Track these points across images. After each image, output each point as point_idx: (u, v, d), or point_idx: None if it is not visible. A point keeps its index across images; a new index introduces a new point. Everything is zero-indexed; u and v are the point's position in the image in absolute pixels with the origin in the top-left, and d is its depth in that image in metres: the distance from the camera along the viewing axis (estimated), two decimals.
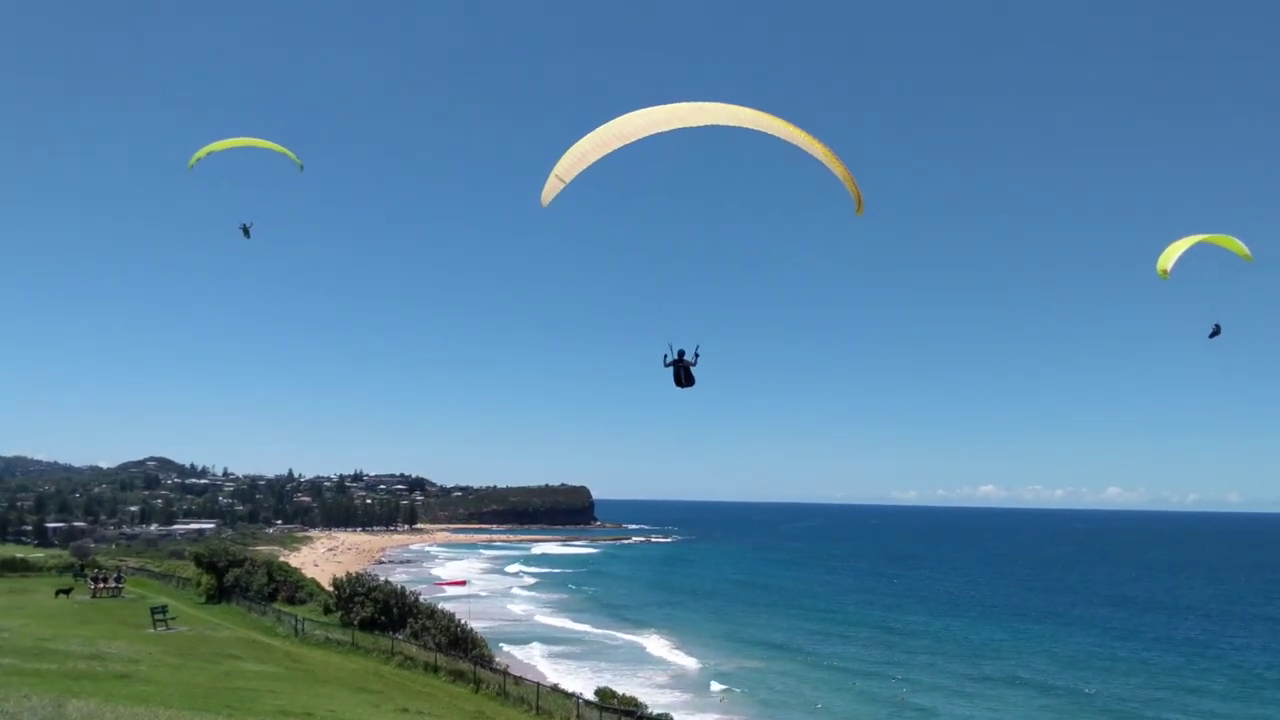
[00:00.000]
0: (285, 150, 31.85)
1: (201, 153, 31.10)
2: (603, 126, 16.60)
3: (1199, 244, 24.45)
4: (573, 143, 16.85)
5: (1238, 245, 24.65)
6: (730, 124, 16.48)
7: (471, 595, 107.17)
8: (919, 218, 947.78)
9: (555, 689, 39.48)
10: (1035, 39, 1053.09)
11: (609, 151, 16.55)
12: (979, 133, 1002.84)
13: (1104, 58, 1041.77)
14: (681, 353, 18.91)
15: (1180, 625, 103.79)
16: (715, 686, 66.73)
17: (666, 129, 16.42)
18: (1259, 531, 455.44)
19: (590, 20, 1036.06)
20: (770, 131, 16.51)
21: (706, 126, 16.58)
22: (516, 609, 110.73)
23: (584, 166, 16.69)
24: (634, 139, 16.42)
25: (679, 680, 69.41)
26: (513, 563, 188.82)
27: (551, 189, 16.97)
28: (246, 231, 32.95)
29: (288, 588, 57.13)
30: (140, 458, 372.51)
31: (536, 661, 71.58)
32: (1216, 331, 25.34)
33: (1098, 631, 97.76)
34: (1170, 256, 23.35)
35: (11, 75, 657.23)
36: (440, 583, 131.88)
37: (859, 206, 17.61)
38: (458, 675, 38.22)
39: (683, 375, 19.07)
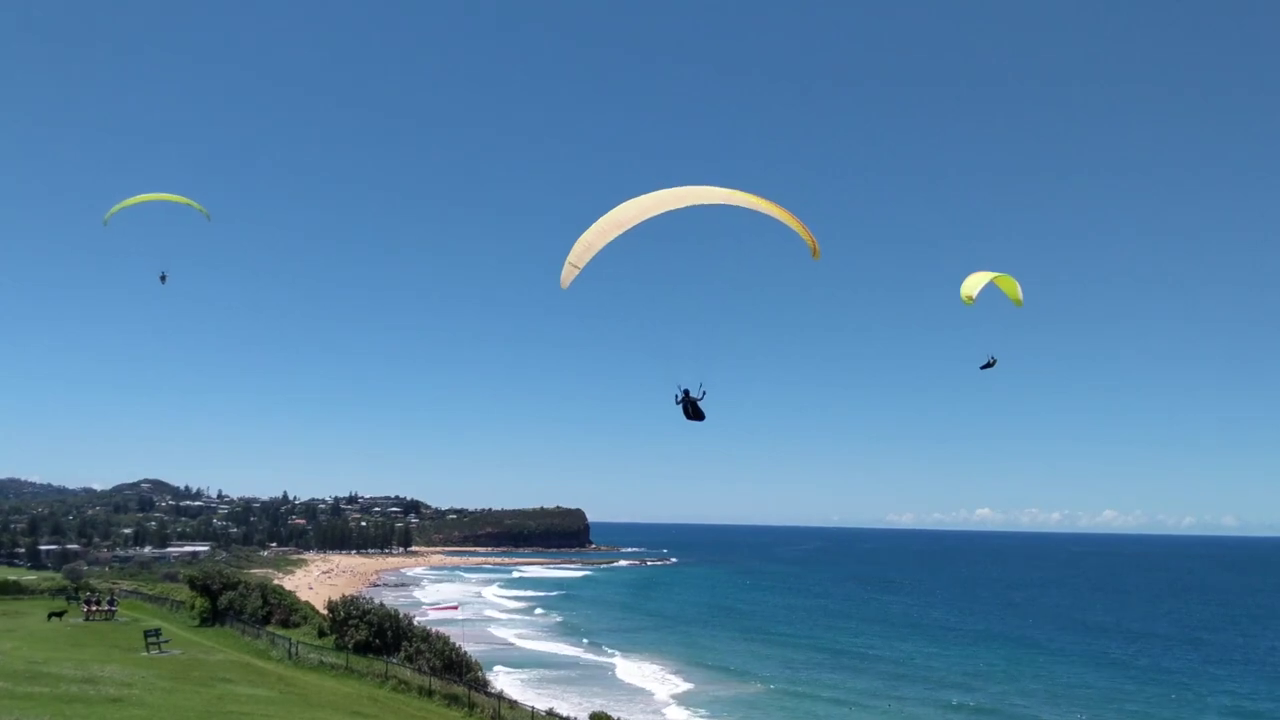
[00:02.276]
0: (192, 202, 34.84)
1: (116, 208, 34.37)
2: (602, 217, 19.27)
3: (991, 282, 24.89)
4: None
5: (1014, 291, 25.07)
6: (707, 203, 19.08)
7: (448, 619, 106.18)
8: (913, 240, 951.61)
9: (550, 714, 39.32)
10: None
11: (612, 239, 19.32)
12: (982, 141, 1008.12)
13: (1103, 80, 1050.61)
14: (688, 391, 20.26)
15: (1175, 653, 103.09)
16: (700, 714, 65.85)
17: (656, 213, 19.02)
18: (1254, 556, 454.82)
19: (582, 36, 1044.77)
20: (739, 205, 19.11)
21: (687, 208, 19.32)
22: (485, 632, 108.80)
23: (593, 255, 19.40)
24: (630, 225, 19.11)
25: (660, 707, 68.38)
26: (491, 585, 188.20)
27: (568, 275, 19.64)
28: (163, 279, 37.57)
29: (282, 611, 56.85)
30: (134, 480, 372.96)
31: (502, 687, 70.73)
32: (990, 364, 25.76)
33: (1092, 660, 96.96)
34: (974, 286, 23.87)
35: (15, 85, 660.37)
36: (437, 607, 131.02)
37: (815, 253, 20.28)
38: (452, 699, 38.02)
39: (691, 410, 20.46)
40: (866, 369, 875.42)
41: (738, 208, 19.39)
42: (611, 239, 19.26)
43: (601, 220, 19.26)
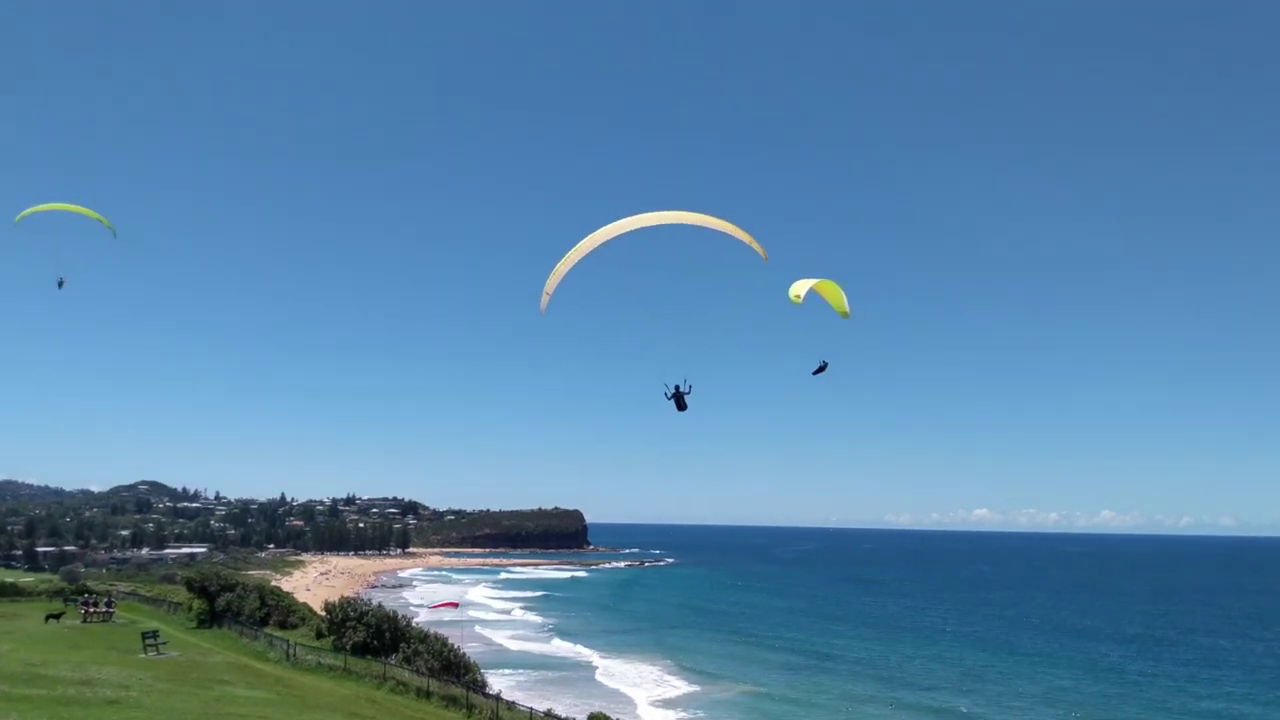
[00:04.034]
0: (100, 217, 37.55)
1: (27, 211, 37.47)
2: (569, 252, 22.92)
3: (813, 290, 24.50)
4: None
5: (839, 302, 24.72)
6: (656, 225, 22.39)
7: (435, 621, 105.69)
8: (911, 237, 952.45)
9: (549, 714, 39.29)
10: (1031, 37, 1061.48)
11: (573, 265, 23.00)
12: (975, 135, 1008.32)
13: (1100, 55, 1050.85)
14: (678, 387, 23.56)
15: (1173, 656, 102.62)
16: (688, 717, 65.55)
17: (612, 237, 22.43)
18: (1252, 556, 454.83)
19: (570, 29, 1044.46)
20: (687, 224, 22.52)
21: (639, 231, 22.75)
22: (471, 633, 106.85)
23: (559, 281, 23.33)
24: (589, 250, 22.65)
25: (643, 711, 67.64)
26: (480, 586, 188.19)
27: (544, 302, 23.63)
28: (60, 284, 39.11)
29: (279, 612, 56.79)
30: (132, 481, 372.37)
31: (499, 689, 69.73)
32: (822, 368, 25.79)
33: (1088, 663, 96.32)
34: (801, 287, 23.84)
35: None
36: (439, 604, 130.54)
37: (764, 257, 23.53)
38: (450, 700, 38.00)
39: (680, 403, 23.73)
40: (864, 369, 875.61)
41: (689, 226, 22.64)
42: (574, 264, 22.78)
43: (569, 253, 22.80)
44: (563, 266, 22.84)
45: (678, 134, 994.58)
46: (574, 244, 23.02)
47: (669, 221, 22.36)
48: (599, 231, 22.60)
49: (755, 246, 23.14)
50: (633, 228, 22.29)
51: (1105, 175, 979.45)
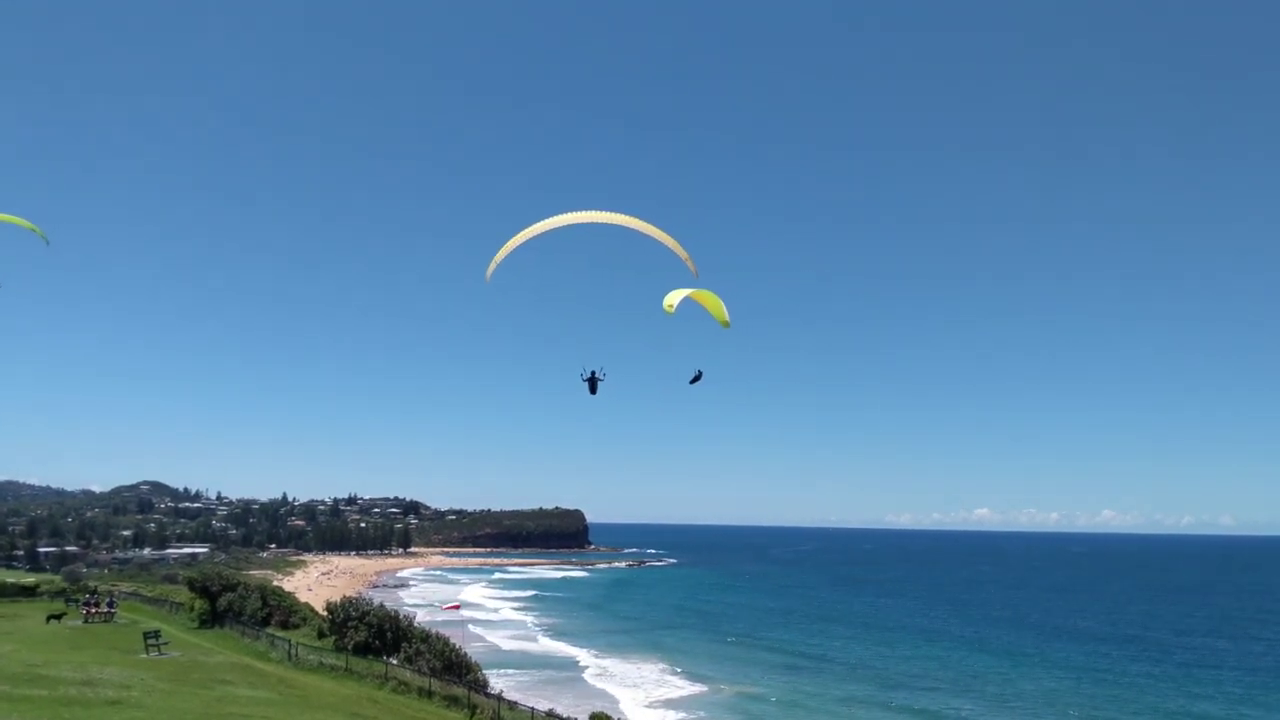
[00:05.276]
0: (33, 226, 36.88)
1: None
2: (521, 231, 24.83)
3: (688, 298, 24.71)
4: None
5: (719, 311, 24.83)
6: (599, 223, 24.16)
7: (430, 621, 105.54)
8: (910, 233, 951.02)
9: (550, 714, 39.35)
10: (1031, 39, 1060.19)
11: (516, 247, 25.11)
12: (978, 138, 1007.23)
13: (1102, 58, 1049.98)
14: (594, 372, 25.69)
15: (1173, 657, 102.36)
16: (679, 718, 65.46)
17: (553, 228, 24.25)
18: (1251, 555, 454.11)
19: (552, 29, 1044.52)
20: (627, 226, 24.16)
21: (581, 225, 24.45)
22: (465, 632, 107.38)
23: (504, 255, 25.44)
24: (540, 233, 24.48)
25: (632, 711, 67.01)
26: (475, 586, 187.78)
27: (489, 271, 26.03)
28: None
29: (281, 612, 56.84)
30: (133, 481, 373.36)
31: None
32: (697, 378, 26.09)
33: (1087, 665, 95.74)
34: (675, 297, 24.15)
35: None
36: (444, 606, 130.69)
37: (694, 271, 25.04)
38: (452, 700, 38.06)
39: (592, 387, 25.88)
40: (865, 369, 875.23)
41: (631, 230, 24.29)
42: (517, 246, 24.85)
43: (512, 239, 24.80)
44: (513, 243, 24.81)
45: (678, 133, 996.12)
46: (539, 226, 24.70)
47: (616, 222, 23.95)
48: (545, 222, 24.32)
49: (689, 264, 24.95)
50: (585, 221, 23.91)
51: (1106, 178, 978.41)
